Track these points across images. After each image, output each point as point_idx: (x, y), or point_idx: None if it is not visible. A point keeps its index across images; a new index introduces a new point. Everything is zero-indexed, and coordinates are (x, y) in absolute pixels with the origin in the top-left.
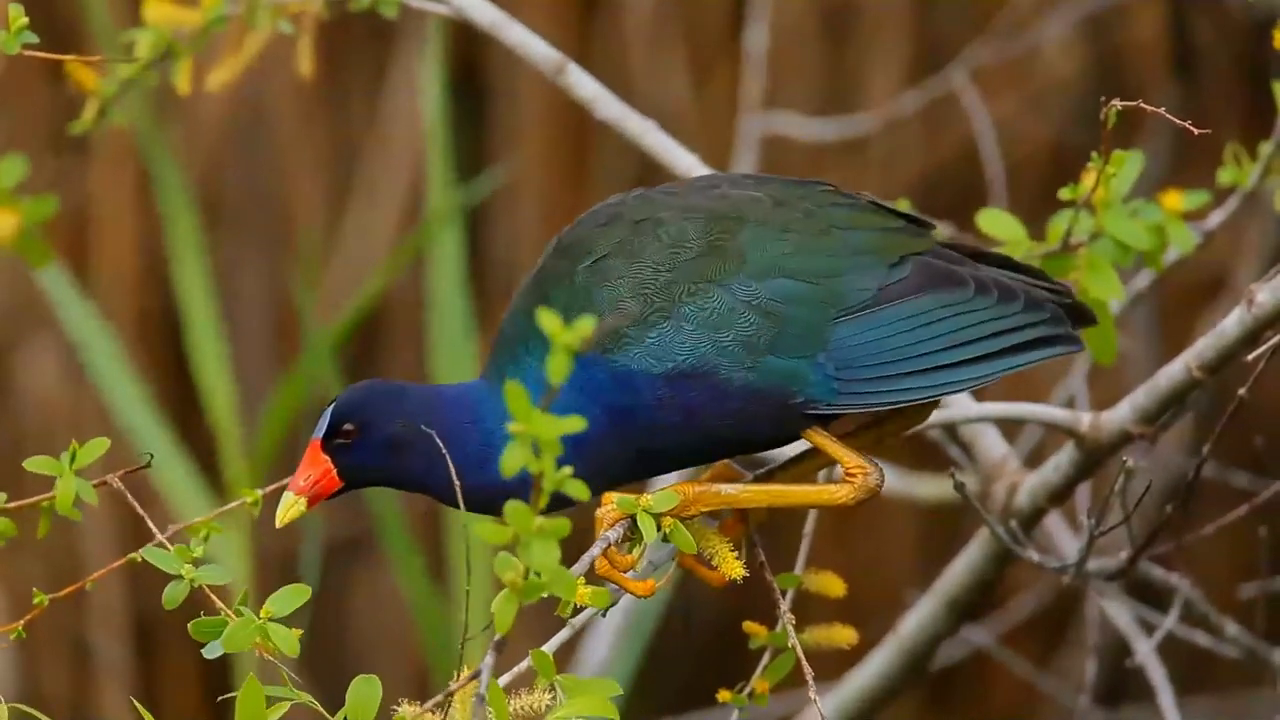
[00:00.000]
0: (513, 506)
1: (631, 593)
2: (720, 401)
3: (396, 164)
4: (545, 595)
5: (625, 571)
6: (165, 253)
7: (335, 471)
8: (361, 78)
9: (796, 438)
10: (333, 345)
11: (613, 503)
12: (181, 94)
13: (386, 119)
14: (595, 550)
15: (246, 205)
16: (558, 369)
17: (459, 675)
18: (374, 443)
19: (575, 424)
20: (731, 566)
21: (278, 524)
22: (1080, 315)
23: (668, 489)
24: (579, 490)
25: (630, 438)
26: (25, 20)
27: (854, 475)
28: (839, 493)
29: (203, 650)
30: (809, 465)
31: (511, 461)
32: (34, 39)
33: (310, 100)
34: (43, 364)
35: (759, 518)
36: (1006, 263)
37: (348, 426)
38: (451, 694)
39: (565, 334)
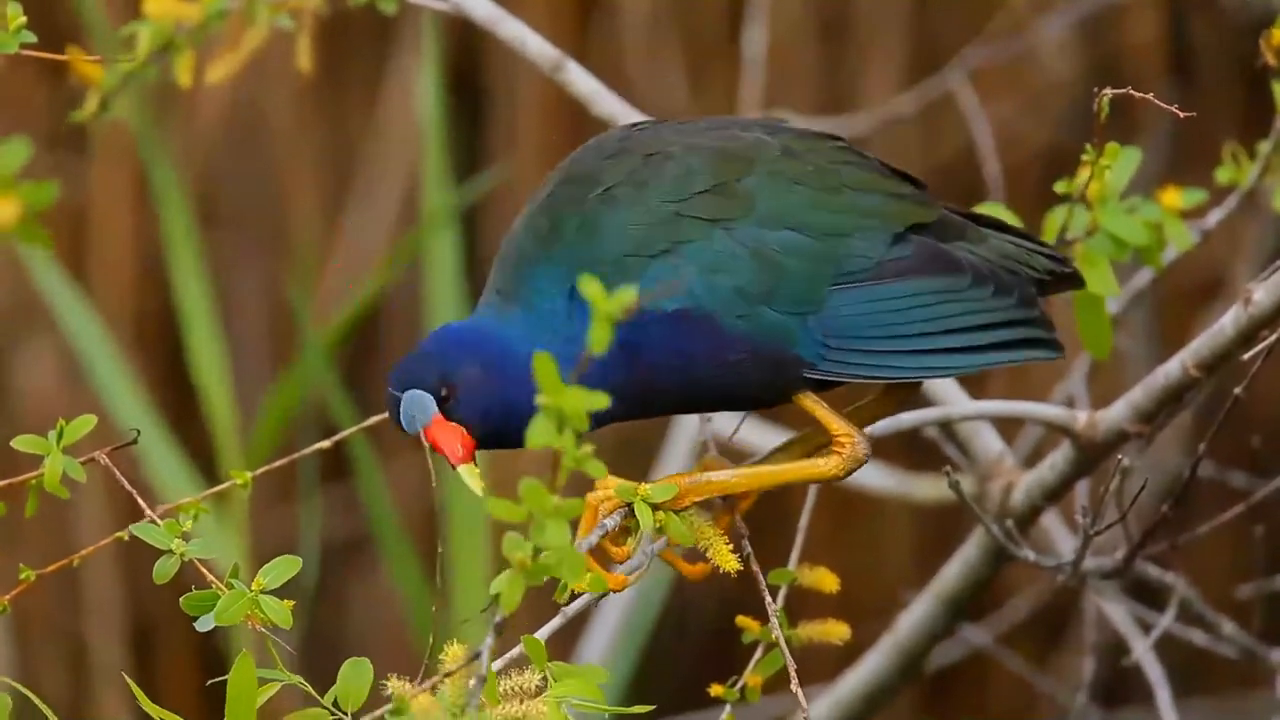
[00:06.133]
0: (528, 485)
1: (608, 585)
2: (719, 350)
3: (394, 164)
4: (547, 578)
5: (621, 563)
6: (163, 253)
7: (466, 430)
8: (359, 77)
9: (788, 399)
10: (329, 346)
11: (610, 490)
12: (182, 87)
13: (384, 119)
14: (594, 537)
15: (244, 206)
16: (599, 338)
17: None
18: (472, 388)
19: (601, 400)
20: (726, 560)
21: (480, 493)
22: (1072, 279)
23: (665, 479)
24: (597, 469)
25: (636, 376)
26: (23, 19)
27: (842, 445)
28: (828, 465)
29: (195, 624)
30: (796, 451)
31: (537, 436)
32: (32, 38)
33: (307, 100)
34: (40, 364)
35: (745, 505)
36: (1002, 226)
37: (443, 392)
38: (450, 675)
39: (608, 303)
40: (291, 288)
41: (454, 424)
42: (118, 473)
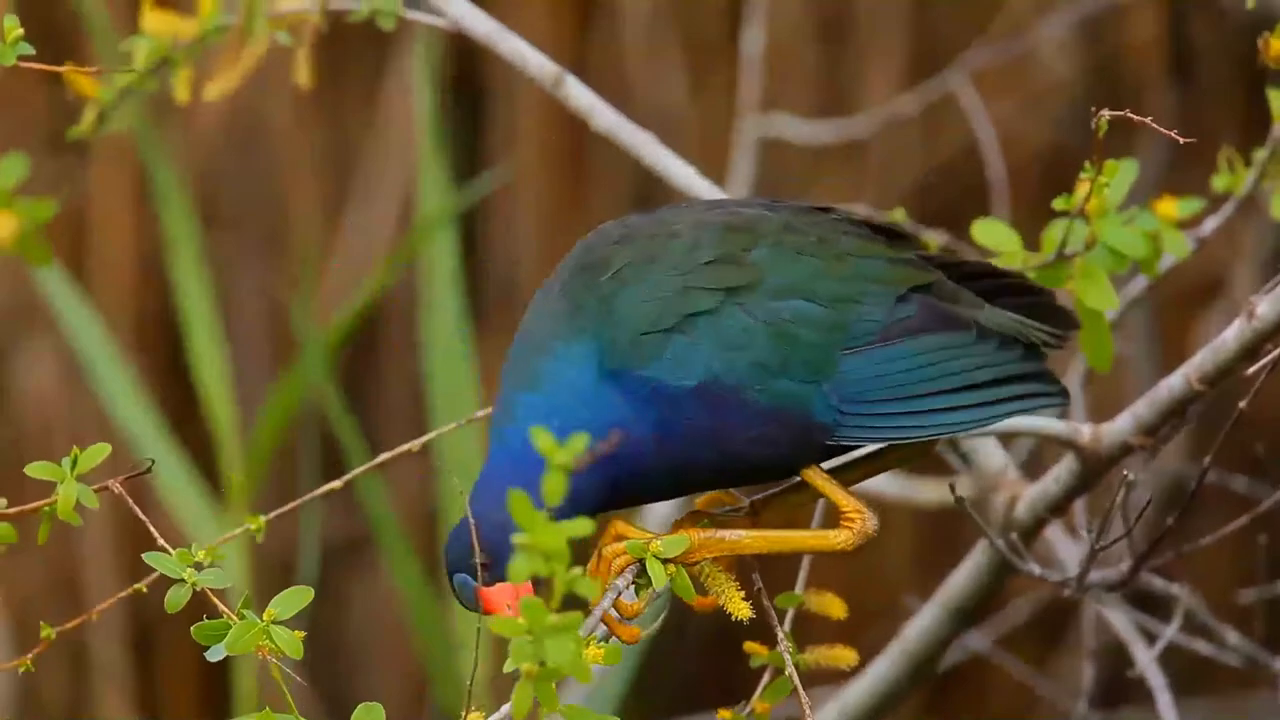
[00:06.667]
0: (527, 602)
1: (618, 638)
2: (746, 423)
3: (393, 166)
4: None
5: (632, 618)
6: (163, 256)
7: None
8: (358, 82)
9: (797, 473)
10: (329, 347)
11: (622, 548)
12: (182, 102)
13: (383, 121)
14: (606, 603)
15: (243, 207)
16: (554, 489)
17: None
18: (504, 545)
19: (582, 527)
20: (739, 608)
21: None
22: (1068, 319)
23: (677, 534)
24: (589, 588)
25: (666, 454)
26: (21, 31)
27: (852, 520)
28: (838, 538)
29: (206, 654)
30: (806, 494)
31: (520, 571)
32: (30, 50)
33: (307, 102)
34: (41, 367)
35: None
36: (992, 272)
37: (482, 560)
38: None
39: (559, 452)
40: (291, 290)
41: (501, 586)
42: (131, 502)
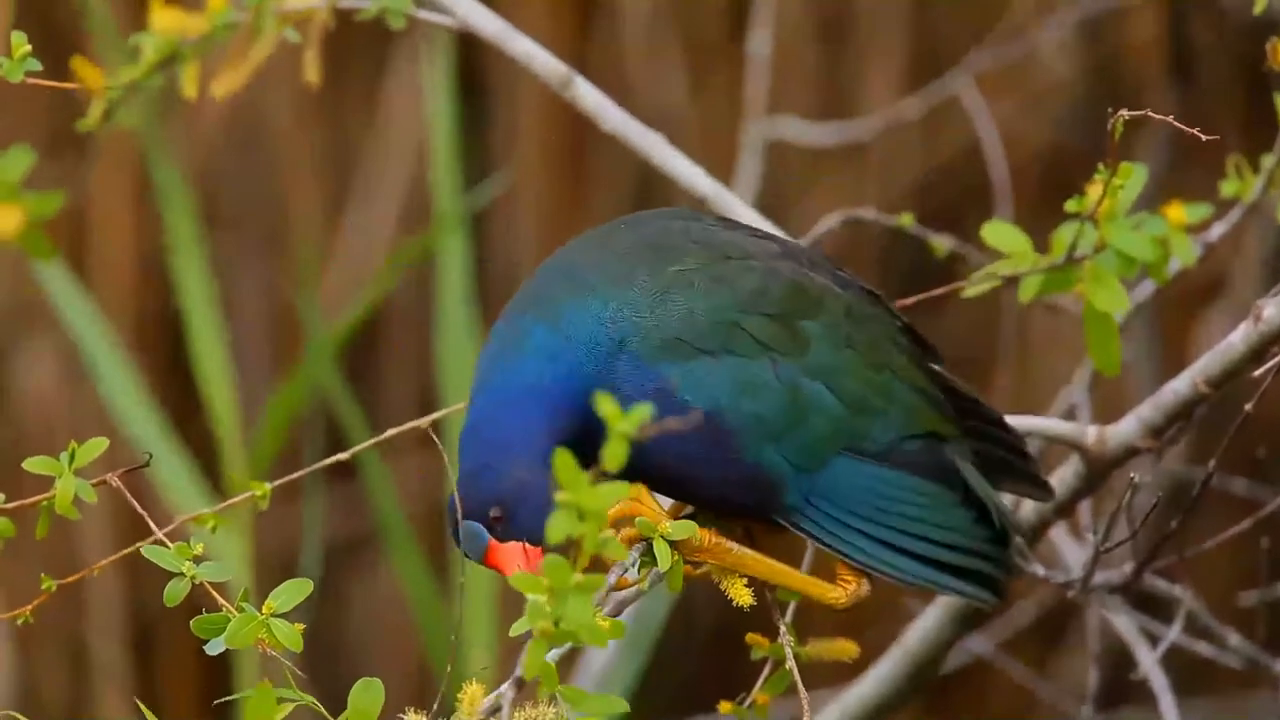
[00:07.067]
0: (552, 562)
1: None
2: (724, 465)
3: (396, 165)
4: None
5: (622, 590)
6: (165, 254)
7: (529, 542)
8: (359, 82)
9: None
10: (334, 347)
11: (633, 525)
12: (187, 99)
13: (385, 120)
14: (612, 579)
15: (245, 207)
16: (615, 455)
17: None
18: (521, 501)
19: (622, 490)
20: (741, 595)
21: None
22: (1043, 489)
23: (688, 522)
24: (619, 551)
25: (651, 459)
26: (28, 49)
27: (848, 583)
28: (834, 593)
29: (205, 647)
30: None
31: (557, 530)
32: (37, 66)
33: (308, 104)
34: (42, 364)
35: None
36: (986, 414)
37: (493, 514)
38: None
39: (623, 422)
40: (296, 288)
41: (511, 543)
42: (128, 494)
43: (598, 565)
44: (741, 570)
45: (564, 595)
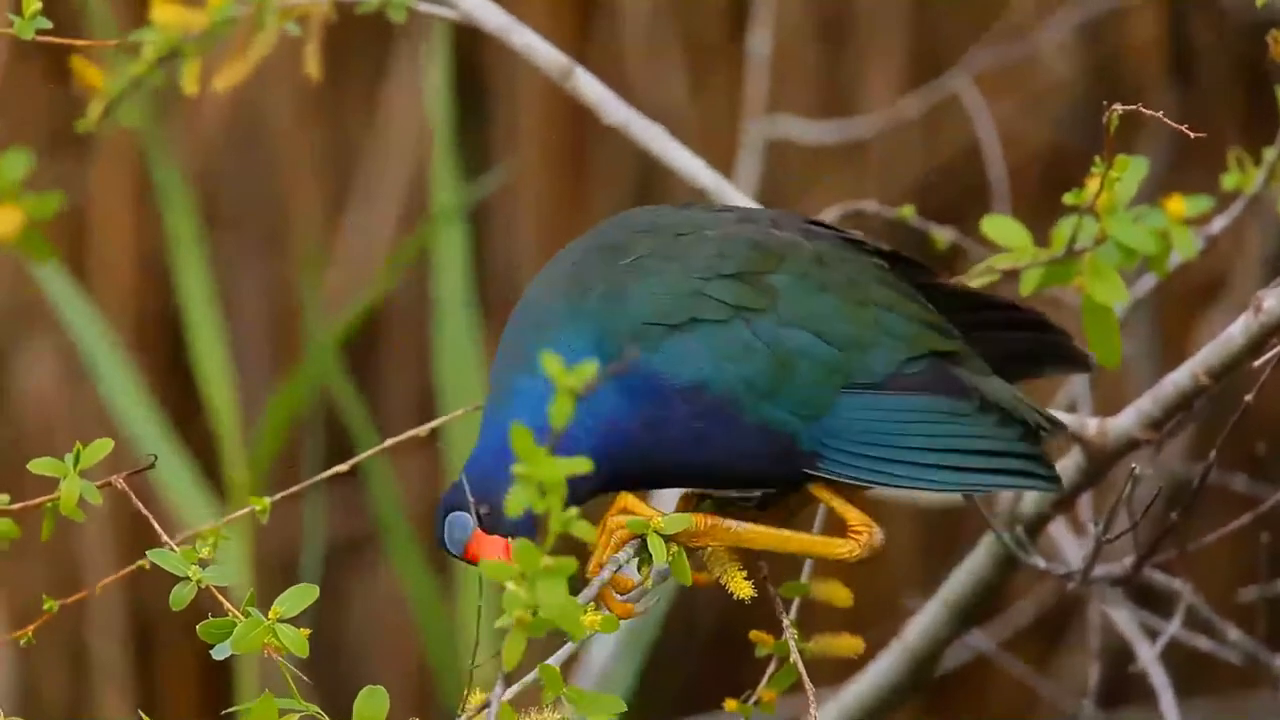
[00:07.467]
0: (521, 545)
1: (610, 610)
2: (733, 435)
3: (396, 163)
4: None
5: (625, 592)
6: (165, 253)
7: (512, 538)
8: (359, 80)
9: (798, 488)
10: (335, 345)
11: (623, 523)
12: (188, 94)
13: (385, 117)
14: (605, 574)
15: (245, 207)
16: (560, 412)
17: (466, 698)
18: (502, 516)
19: (581, 464)
20: (741, 588)
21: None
22: (1080, 360)
23: (681, 514)
24: (584, 531)
25: (657, 446)
26: (39, 5)
27: (859, 533)
28: (843, 547)
29: (211, 652)
30: (776, 511)
31: (517, 503)
32: (47, 24)
33: (308, 102)
34: (42, 365)
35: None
36: (995, 304)
37: (483, 509)
38: None
39: (567, 376)
40: (298, 286)
41: (495, 537)
42: (133, 496)
43: (582, 558)
44: (744, 545)
45: (534, 579)
